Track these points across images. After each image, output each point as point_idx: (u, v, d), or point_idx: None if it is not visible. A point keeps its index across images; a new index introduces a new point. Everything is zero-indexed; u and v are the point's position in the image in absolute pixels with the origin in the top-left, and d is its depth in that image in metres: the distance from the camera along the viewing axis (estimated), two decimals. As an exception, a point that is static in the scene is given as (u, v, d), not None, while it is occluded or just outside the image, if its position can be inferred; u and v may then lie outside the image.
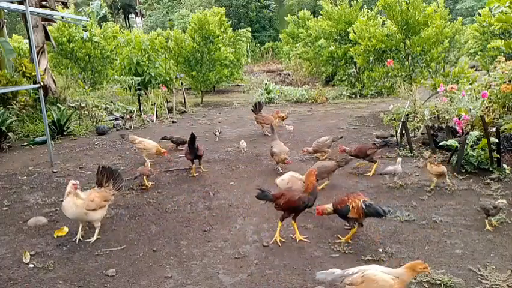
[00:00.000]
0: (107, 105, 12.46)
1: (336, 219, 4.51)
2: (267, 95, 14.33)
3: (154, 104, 12.50)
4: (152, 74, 13.59)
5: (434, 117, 7.69)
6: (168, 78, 13.95)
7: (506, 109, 6.72)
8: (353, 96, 14.71)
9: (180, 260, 3.86)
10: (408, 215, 4.48)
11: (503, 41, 11.73)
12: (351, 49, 12.85)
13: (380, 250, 3.80)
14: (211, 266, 3.70)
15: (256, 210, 4.85)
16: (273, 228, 4.38)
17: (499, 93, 6.60)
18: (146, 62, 13.72)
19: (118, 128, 10.67)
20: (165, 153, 6.88)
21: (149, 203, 5.30)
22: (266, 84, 15.12)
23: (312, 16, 21.27)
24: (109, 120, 11.31)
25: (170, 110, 12.92)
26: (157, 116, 12.00)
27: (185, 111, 13.41)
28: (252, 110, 9.40)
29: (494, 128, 5.83)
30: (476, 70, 13.61)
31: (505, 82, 6.58)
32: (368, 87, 13.38)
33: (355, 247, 3.87)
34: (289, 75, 20.99)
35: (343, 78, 15.68)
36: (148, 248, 4.11)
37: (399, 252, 3.74)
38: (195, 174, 6.39)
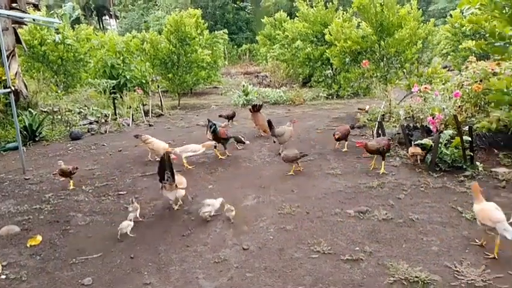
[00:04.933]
0: (81, 109, 12.20)
1: (315, 221, 4.53)
2: (245, 97, 14.31)
3: (130, 107, 12.31)
4: (128, 77, 13.38)
5: (409, 117, 7.82)
6: (144, 81, 13.76)
7: (478, 108, 6.89)
8: (330, 97, 14.86)
9: (159, 266, 3.79)
10: (386, 213, 4.53)
11: (474, 41, 12.08)
12: (327, 50, 12.99)
13: (358, 249, 3.83)
14: (191, 271, 3.65)
15: (236, 213, 4.81)
16: (253, 231, 4.36)
17: (471, 93, 6.77)
18: (121, 65, 13.50)
19: (92, 132, 10.45)
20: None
21: (126, 209, 5.18)
22: (244, 86, 15.11)
23: (288, 18, 21.40)
24: (83, 125, 11.08)
25: (146, 113, 12.74)
26: (133, 120, 11.81)
27: (162, 114, 13.25)
28: (249, 109, 9.35)
29: (467, 127, 5.98)
30: (448, 70, 13.95)
31: (477, 82, 6.75)
32: (345, 88, 13.54)
33: (334, 247, 3.88)
34: (266, 77, 21.03)
35: (320, 80, 15.82)
36: (126, 255, 4.02)
37: (377, 251, 3.78)
38: (221, 157, 7.26)
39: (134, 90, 13.11)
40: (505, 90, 4.53)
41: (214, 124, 7.43)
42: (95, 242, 4.37)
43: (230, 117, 10.26)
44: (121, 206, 5.31)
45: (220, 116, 10.29)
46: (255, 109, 9.01)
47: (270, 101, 14.46)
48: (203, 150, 6.88)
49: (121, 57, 13.69)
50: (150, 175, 6.56)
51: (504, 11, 4.20)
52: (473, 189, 3.80)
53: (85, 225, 4.80)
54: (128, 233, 4.42)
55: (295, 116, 11.35)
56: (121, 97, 13.06)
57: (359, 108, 10.87)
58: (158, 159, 6.95)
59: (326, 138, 8.25)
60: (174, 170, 4.89)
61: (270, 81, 19.96)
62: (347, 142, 7.26)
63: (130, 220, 4.54)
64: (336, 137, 7.09)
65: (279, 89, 15.92)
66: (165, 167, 4.82)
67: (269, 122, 7.55)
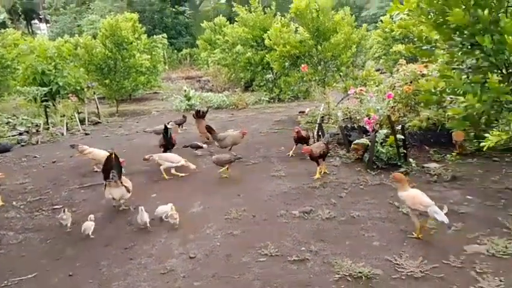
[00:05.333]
0: (10, 119, 11.36)
1: (262, 224, 4.55)
2: (187, 101, 14.12)
3: (64, 115, 11.67)
4: (61, 84, 12.68)
5: (347, 118, 8.13)
6: (79, 88, 13.12)
7: (409, 108, 7.33)
8: (272, 101, 15.08)
9: (100, 282, 3.60)
10: (329, 212, 4.66)
11: (403, 45, 12.77)
12: (267, 55, 13.16)
13: (304, 249, 3.89)
14: (135, 285, 3.51)
15: (181, 222, 4.71)
16: (200, 238, 4.29)
17: (402, 94, 7.19)
18: (53, 71, 12.76)
19: (22, 144, 9.75)
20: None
21: (62, 224, 4.88)
22: (186, 91, 14.90)
23: (228, 22, 21.46)
24: (12, 136, 10.31)
25: (82, 122, 12.14)
26: (67, 129, 11.19)
27: (99, 122, 12.71)
28: (193, 115, 9.16)
29: (400, 126, 6.34)
30: (381, 73, 14.71)
31: (407, 83, 7.18)
32: (285, 91, 13.79)
33: (281, 249, 3.92)
34: (208, 81, 20.91)
35: (261, 84, 16.00)
36: (64, 273, 3.78)
37: (322, 249, 3.87)
38: None
39: (68, 98, 12.45)
40: (433, 90, 4.85)
41: (169, 128, 7.39)
42: (29, 261, 4.06)
43: (180, 123, 10.13)
44: (57, 221, 4.99)
45: (168, 123, 9.96)
46: (199, 115, 8.89)
47: (213, 106, 14.39)
48: (179, 164, 6.44)
49: (53, 63, 12.95)
50: (88, 187, 6.25)
51: (430, 17, 4.50)
52: (399, 178, 4.06)
53: (17, 244, 4.46)
54: (91, 233, 4.47)
55: (239, 120, 11.41)
56: (53, 105, 12.36)
57: (299, 112, 11.14)
58: (97, 169, 6.75)
59: (270, 141, 8.36)
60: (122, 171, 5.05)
61: (212, 85, 19.87)
62: (294, 148, 7.20)
63: (91, 220, 4.55)
64: (296, 135, 7.08)
65: (221, 94, 15.89)
66: (112, 166, 4.88)
67: (208, 127, 7.52)
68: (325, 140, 6.22)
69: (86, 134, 10.84)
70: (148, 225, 4.57)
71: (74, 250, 4.21)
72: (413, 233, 4.00)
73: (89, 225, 4.48)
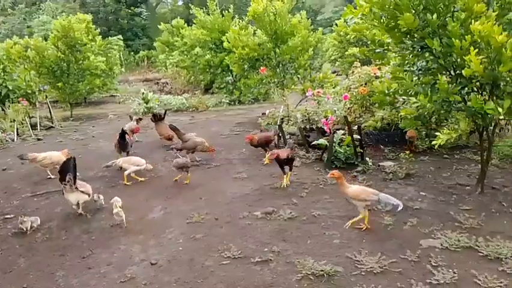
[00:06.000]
0: (-46, 126, 10.65)
1: (224, 226, 4.53)
2: (145, 104, 13.83)
3: (14, 120, 11.09)
4: (10, 87, 12.07)
5: (306, 120, 8.27)
6: (29, 91, 12.53)
7: (364, 109, 7.57)
8: (232, 103, 15.10)
9: (57, 293, 3.45)
10: (291, 212, 4.72)
11: (358, 48, 13.21)
12: (226, 57, 13.16)
13: (267, 250, 3.92)
14: (94, 295, 3.39)
15: (141, 228, 4.61)
16: (161, 243, 4.21)
17: (358, 95, 7.42)
18: (2, 74, 12.13)
19: (-32, 151, 9.18)
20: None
21: (14, 234, 4.64)
22: (144, 93, 14.59)
23: (186, 25, 21.26)
24: (-43, 143, 9.67)
25: (34, 127, 11.60)
26: (18, 134, 10.66)
27: (52, 127, 12.20)
28: (151, 119, 8.94)
29: (357, 126, 6.53)
30: (337, 75, 15.04)
31: (362, 85, 7.42)
32: (245, 94, 13.85)
33: (244, 251, 3.92)
34: (167, 83, 20.61)
35: (221, 86, 15.98)
36: (17, 286, 3.59)
37: (285, 249, 3.91)
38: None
39: (19, 102, 11.87)
40: (386, 91, 5.04)
41: (126, 132, 7.34)
42: (-23, 276, 3.82)
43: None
44: (9, 230, 4.74)
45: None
46: (157, 118, 8.72)
47: (172, 108, 14.20)
48: (144, 167, 6.30)
49: (1, 66, 12.31)
50: (42, 194, 5.97)
51: (382, 21, 4.67)
52: (338, 175, 4.23)
53: (-37, 258, 4.19)
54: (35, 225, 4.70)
55: (200, 123, 11.31)
56: (2, 110, 11.74)
57: (262, 114, 11.20)
58: (51, 176, 6.48)
59: (231, 144, 8.35)
60: (77, 174, 5.01)
61: (172, 88, 19.61)
62: (268, 152, 7.01)
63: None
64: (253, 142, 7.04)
65: (181, 96, 15.71)
66: (69, 169, 4.82)
67: (173, 127, 7.45)
68: (289, 146, 6.03)
69: (39, 140, 10.37)
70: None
71: (28, 261, 4.01)
72: (361, 224, 4.19)
73: (33, 219, 4.70)
